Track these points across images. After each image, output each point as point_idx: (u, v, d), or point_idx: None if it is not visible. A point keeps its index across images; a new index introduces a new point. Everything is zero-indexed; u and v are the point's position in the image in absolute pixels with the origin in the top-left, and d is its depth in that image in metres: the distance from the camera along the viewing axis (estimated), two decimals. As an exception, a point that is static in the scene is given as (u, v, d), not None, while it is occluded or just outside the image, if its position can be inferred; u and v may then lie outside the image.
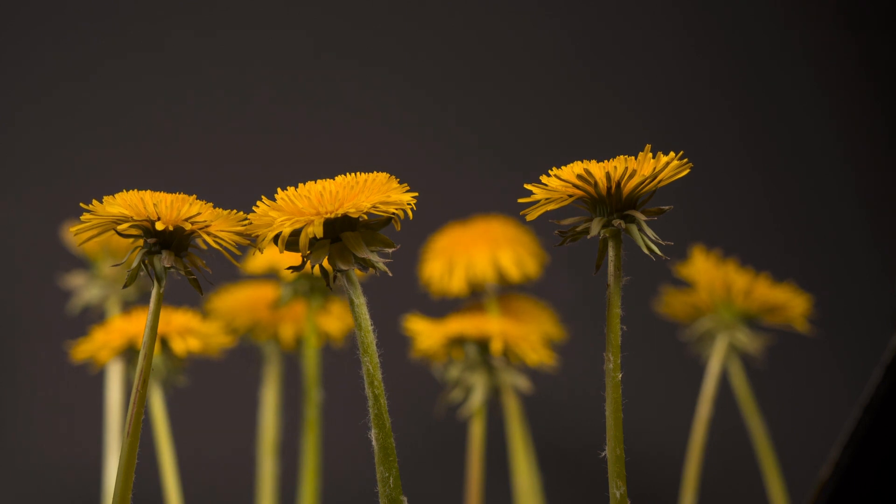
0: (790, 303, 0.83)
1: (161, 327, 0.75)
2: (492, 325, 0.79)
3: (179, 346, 0.75)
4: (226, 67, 1.17)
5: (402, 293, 0.95)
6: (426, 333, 0.79)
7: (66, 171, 1.14)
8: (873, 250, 1.19)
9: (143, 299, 0.88)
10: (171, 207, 0.53)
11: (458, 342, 0.80)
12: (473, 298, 0.88)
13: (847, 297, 1.18)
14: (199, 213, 0.53)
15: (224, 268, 0.59)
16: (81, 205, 0.54)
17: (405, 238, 0.63)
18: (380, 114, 1.18)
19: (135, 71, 1.16)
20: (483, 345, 0.79)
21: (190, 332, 0.76)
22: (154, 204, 0.53)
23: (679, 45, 1.20)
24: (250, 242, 0.55)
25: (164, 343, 0.76)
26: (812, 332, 0.86)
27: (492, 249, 0.85)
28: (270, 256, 0.80)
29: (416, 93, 1.19)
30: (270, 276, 0.83)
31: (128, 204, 0.53)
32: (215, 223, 0.54)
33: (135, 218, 0.53)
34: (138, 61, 1.16)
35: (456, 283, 0.85)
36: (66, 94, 1.15)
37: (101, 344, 0.75)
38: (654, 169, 0.53)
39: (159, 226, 0.53)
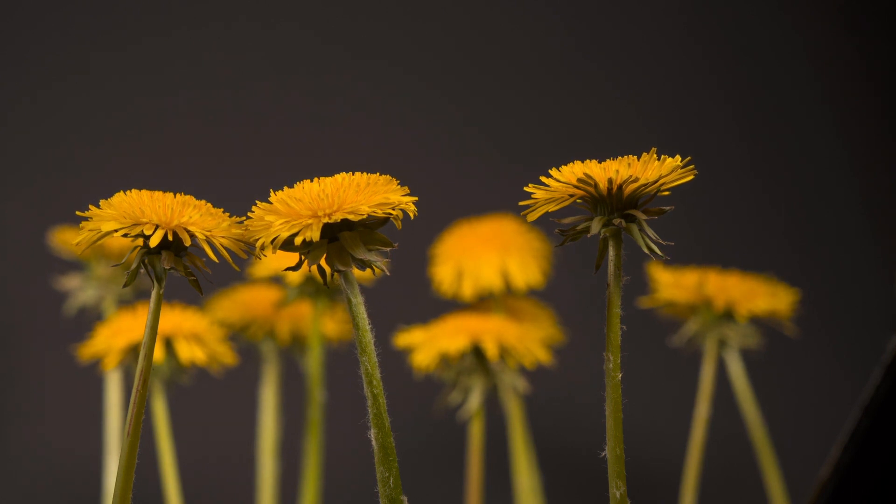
0: (775, 299, 0.82)
1: (169, 329, 0.75)
2: (487, 333, 0.78)
3: (185, 353, 0.75)
4: (224, 64, 1.17)
5: (406, 289, 0.95)
6: (421, 348, 0.79)
7: (61, 172, 1.14)
8: (874, 250, 1.19)
9: (139, 297, 0.88)
10: (170, 213, 0.53)
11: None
12: (479, 300, 0.89)
13: (847, 298, 1.18)
14: (195, 225, 0.53)
15: (227, 269, 0.59)
16: (78, 213, 0.54)
17: (413, 233, 0.63)
18: (385, 110, 1.18)
19: (129, 68, 1.16)
20: (479, 349, 0.79)
21: (198, 338, 0.76)
22: (149, 219, 0.53)
23: (680, 42, 1.20)
24: (248, 253, 0.54)
25: (170, 345, 0.76)
26: (797, 330, 0.86)
27: (500, 257, 0.85)
28: (275, 260, 0.80)
29: (423, 89, 1.19)
30: (276, 279, 0.83)
31: (123, 213, 0.53)
32: (214, 230, 0.54)
33: (130, 232, 0.53)
34: (132, 59, 1.16)
35: (466, 291, 0.85)
36: (58, 95, 1.15)
37: (107, 347, 0.75)
38: (659, 174, 0.52)
39: (153, 242, 0.52)
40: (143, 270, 0.54)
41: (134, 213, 0.53)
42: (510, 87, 1.19)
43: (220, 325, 0.81)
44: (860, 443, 0.69)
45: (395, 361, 0.76)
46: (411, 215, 0.54)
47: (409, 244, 0.64)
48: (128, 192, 0.54)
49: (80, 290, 0.88)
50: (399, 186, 0.54)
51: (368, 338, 0.55)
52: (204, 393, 0.95)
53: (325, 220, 0.52)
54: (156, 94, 1.16)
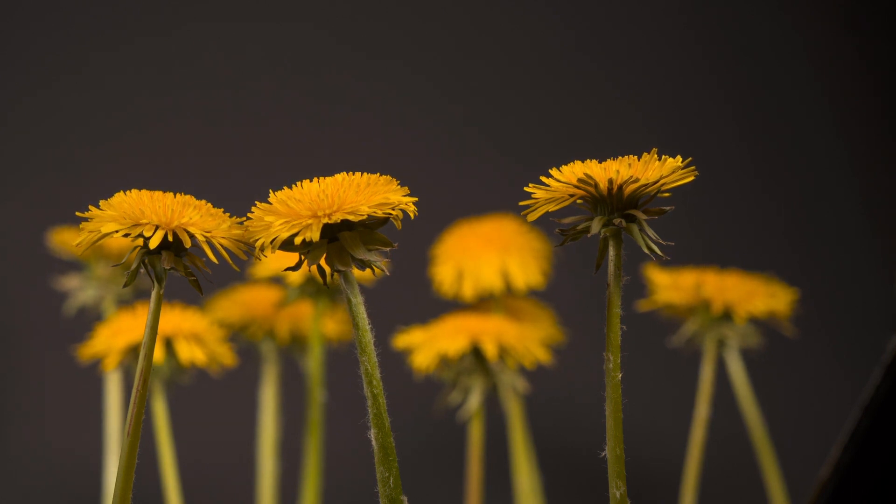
0: (773, 300, 0.82)
1: (169, 329, 0.75)
2: (486, 333, 0.78)
3: (185, 353, 0.75)
4: (224, 63, 1.17)
5: (406, 289, 0.95)
6: (420, 349, 0.79)
7: (61, 172, 1.14)
8: (874, 250, 1.19)
9: (139, 297, 0.88)
10: (171, 213, 0.53)
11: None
12: (479, 300, 0.89)
13: (847, 298, 1.18)
14: (195, 226, 0.53)
15: (227, 269, 0.59)
16: (78, 213, 0.54)
17: (413, 233, 0.63)
18: (385, 110, 1.18)
19: (129, 68, 1.16)
20: (479, 350, 0.79)
21: (198, 338, 0.76)
22: (149, 219, 0.53)
23: (680, 42, 1.20)
24: (247, 254, 0.54)
25: (170, 345, 0.76)
26: (795, 330, 0.86)
27: (501, 257, 0.85)
28: (275, 261, 0.80)
29: (424, 89, 1.19)
30: (276, 279, 0.83)
31: (123, 213, 0.53)
32: (214, 231, 0.53)
33: (130, 233, 0.53)
34: (131, 58, 1.16)
35: (466, 291, 0.85)
36: (58, 95, 1.15)
37: (107, 347, 0.75)
38: (660, 175, 0.52)
39: (153, 243, 0.52)
40: (143, 271, 0.54)
41: (134, 213, 0.53)
42: (510, 87, 1.19)
43: (220, 325, 0.81)
44: (860, 443, 0.69)
45: (395, 361, 0.76)
46: (411, 215, 0.54)
47: (409, 244, 0.64)
48: (128, 193, 0.54)
49: (80, 291, 0.88)
50: (399, 186, 0.54)
51: (368, 338, 0.55)
52: (204, 393, 0.95)
53: (325, 220, 0.52)
54: (155, 94, 1.16)
